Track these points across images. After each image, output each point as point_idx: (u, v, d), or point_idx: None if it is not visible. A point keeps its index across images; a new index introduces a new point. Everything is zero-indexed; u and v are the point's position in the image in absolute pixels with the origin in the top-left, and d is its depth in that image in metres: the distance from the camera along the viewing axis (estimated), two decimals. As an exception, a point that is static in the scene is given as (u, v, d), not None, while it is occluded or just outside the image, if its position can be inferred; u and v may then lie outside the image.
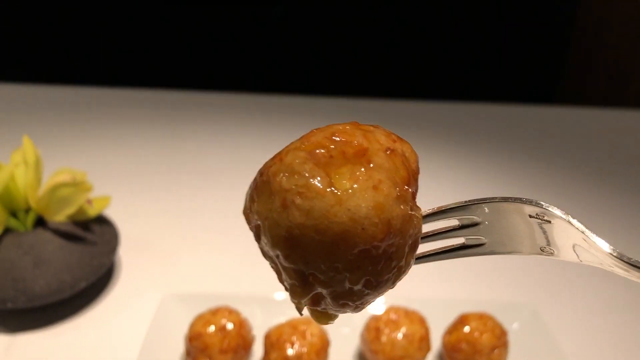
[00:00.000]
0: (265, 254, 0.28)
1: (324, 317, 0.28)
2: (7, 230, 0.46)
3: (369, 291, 0.27)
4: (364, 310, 0.30)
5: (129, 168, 0.72)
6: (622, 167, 0.86)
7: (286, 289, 0.27)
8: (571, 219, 0.26)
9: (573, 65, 1.30)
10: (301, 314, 0.28)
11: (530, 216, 0.28)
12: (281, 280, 0.28)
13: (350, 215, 0.25)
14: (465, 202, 0.29)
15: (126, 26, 1.27)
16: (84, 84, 0.93)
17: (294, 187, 0.25)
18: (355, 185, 0.25)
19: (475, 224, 0.30)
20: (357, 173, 0.26)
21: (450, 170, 0.77)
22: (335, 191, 0.25)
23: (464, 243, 0.30)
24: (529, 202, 0.27)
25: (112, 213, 0.56)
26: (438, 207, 0.29)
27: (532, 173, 0.80)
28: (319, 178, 0.25)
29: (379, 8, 1.34)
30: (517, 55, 1.27)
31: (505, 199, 0.28)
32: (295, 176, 0.25)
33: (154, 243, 0.56)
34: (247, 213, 0.28)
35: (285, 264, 0.27)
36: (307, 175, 0.25)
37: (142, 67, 1.27)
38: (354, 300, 0.27)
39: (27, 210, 0.47)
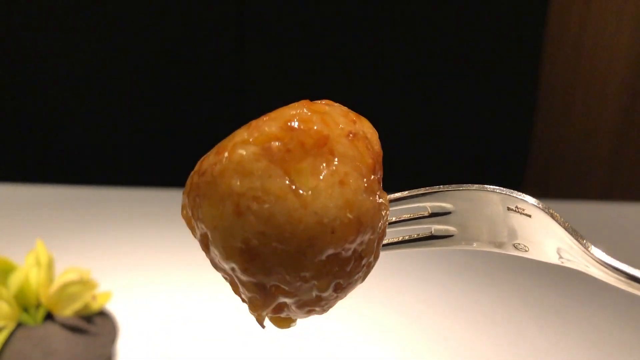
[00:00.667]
0: (216, 266, 0.25)
1: (286, 322, 0.26)
2: (19, 325, 0.52)
3: (338, 294, 0.25)
4: None
5: (129, 263, 0.78)
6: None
7: (243, 301, 0.25)
8: (554, 214, 0.25)
9: (535, 160, 1.38)
10: (263, 327, 0.26)
11: (509, 209, 0.26)
12: (237, 293, 0.25)
13: (318, 219, 0.23)
14: (438, 188, 0.27)
15: (124, 125, 1.34)
16: (89, 183, 1.00)
17: (248, 190, 0.22)
18: (319, 183, 0.23)
19: (446, 213, 0.27)
20: (320, 167, 0.23)
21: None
22: (299, 191, 0.22)
23: (431, 233, 0.28)
24: (509, 193, 0.25)
25: (112, 306, 0.62)
26: (408, 192, 0.28)
27: (498, 269, 0.85)
28: (277, 178, 0.22)
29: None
30: (479, 152, 1.34)
31: (482, 188, 0.26)
32: (249, 177, 0.22)
33: (151, 335, 0.62)
34: (188, 218, 0.25)
35: (243, 278, 0.24)
36: (262, 175, 0.22)
37: (140, 166, 1.34)
38: (321, 305, 0.25)
39: (38, 305, 0.53)
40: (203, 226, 0.24)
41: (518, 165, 1.34)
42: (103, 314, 0.56)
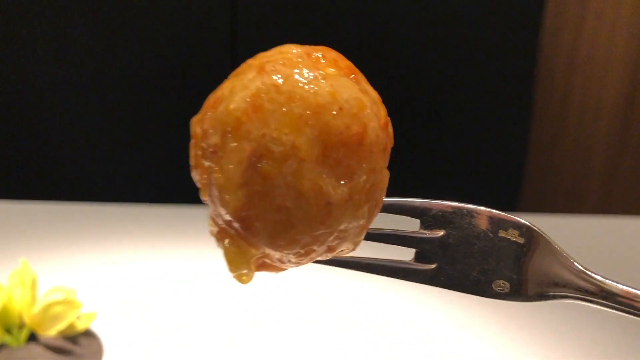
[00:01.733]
0: (204, 148, 0.26)
1: (243, 259, 0.26)
2: (1, 346, 0.51)
3: (344, 211, 0.25)
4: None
5: (115, 283, 0.76)
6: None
7: (219, 208, 0.25)
8: (549, 238, 0.24)
9: (531, 176, 1.38)
10: (245, 280, 0.26)
11: (500, 232, 0.26)
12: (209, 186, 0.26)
13: (331, 90, 0.25)
14: (430, 202, 0.27)
15: (111, 142, 1.34)
16: (75, 199, 0.99)
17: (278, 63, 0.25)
18: (341, 77, 0.25)
19: (433, 228, 0.27)
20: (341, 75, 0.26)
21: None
22: (320, 72, 0.25)
23: (412, 260, 0.27)
24: (502, 217, 0.25)
25: (97, 326, 0.61)
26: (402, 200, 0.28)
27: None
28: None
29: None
30: (476, 169, 1.34)
31: (476, 210, 0.26)
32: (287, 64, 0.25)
33: (136, 356, 0.61)
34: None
35: (232, 143, 0.25)
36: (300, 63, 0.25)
37: (128, 182, 1.33)
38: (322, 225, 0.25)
39: (21, 326, 0.52)
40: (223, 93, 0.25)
41: (513, 178, 1.33)
42: (88, 335, 0.55)
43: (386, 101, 0.27)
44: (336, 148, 0.25)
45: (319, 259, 0.27)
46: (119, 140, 1.32)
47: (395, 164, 0.28)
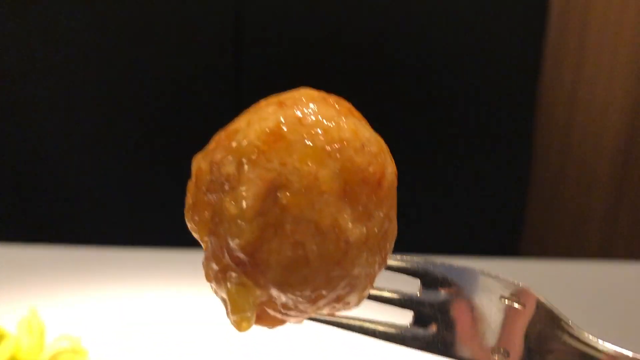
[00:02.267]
0: (218, 172, 0.25)
1: (247, 300, 0.24)
2: (8, 394, 0.51)
3: (365, 251, 0.24)
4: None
5: (121, 330, 0.77)
6: (586, 317, 0.92)
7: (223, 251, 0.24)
8: (552, 306, 0.24)
9: (532, 218, 1.38)
10: (245, 328, 0.25)
11: (502, 297, 0.25)
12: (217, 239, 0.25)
13: (354, 128, 0.24)
14: (433, 264, 0.27)
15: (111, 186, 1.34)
16: (81, 243, 0.99)
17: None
18: (359, 121, 0.25)
19: (436, 291, 0.26)
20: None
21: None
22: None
23: (409, 324, 0.27)
24: (507, 281, 0.25)
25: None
26: (403, 261, 0.27)
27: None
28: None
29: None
30: (476, 211, 1.35)
31: (482, 272, 0.26)
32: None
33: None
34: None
35: (250, 173, 0.24)
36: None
37: (136, 225, 1.34)
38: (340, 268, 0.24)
39: (28, 374, 0.52)
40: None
41: (515, 224, 1.34)
42: (93, 382, 0.55)
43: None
44: (357, 185, 0.24)
45: (318, 316, 0.26)
46: (126, 183, 1.33)
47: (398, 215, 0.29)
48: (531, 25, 1.25)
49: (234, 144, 0.25)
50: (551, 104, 1.35)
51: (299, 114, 0.24)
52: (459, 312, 0.26)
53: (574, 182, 1.40)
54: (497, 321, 0.25)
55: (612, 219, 1.40)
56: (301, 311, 0.25)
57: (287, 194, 0.23)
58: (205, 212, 0.25)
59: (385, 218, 0.25)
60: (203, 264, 0.26)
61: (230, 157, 0.24)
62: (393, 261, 0.27)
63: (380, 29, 1.25)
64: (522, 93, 1.29)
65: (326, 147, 0.24)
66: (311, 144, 0.24)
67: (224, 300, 0.24)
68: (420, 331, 0.26)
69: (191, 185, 0.26)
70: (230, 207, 0.24)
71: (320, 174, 0.23)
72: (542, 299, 0.25)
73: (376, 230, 0.24)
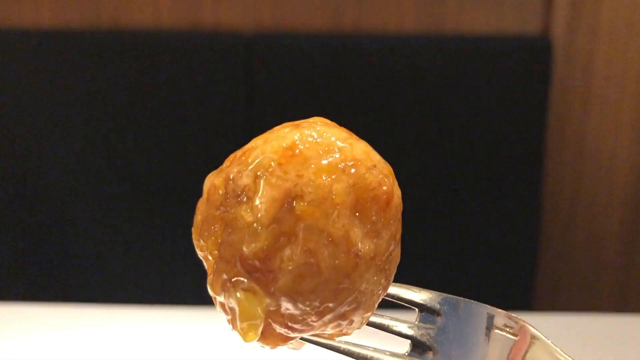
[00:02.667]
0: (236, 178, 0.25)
1: (256, 308, 0.25)
2: None
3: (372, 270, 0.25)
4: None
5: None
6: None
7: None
8: (543, 336, 0.24)
9: (544, 272, 1.37)
10: (252, 339, 0.25)
11: (496, 327, 0.26)
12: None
13: (366, 149, 0.26)
14: (427, 294, 0.27)
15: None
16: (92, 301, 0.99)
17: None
18: (368, 146, 0.27)
19: (430, 320, 0.27)
20: None
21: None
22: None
23: (407, 352, 0.27)
24: (498, 311, 0.25)
25: None
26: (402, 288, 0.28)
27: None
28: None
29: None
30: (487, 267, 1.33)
31: (473, 302, 0.26)
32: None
33: None
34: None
35: (267, 183, 0.24)
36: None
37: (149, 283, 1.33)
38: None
39: None
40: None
41: (526, 278, 1.32)
42: None
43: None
44: (368, 203, 0.25)
45: (319, 339, 0.26)
46: (136, 242, 1.33)
47: (404, 260, 0.29)
48: (535, 77, 1.26)
49: (250, 159, 0.25)
50: (558, 157, 1.35)
51: (314, 134, 0.25)
52: (454, 342, 0.26)
53: (584, 235, 1.38)
54: (492, 351, 0.25)
55: (624, 272, 1.39)
56: (307, 326, 0.25)
57: (302, 203, 0.24)
58: (216, 225, 0.26)
59: (392, 239, 0.26)
60: (209, 278, 0.26)
61: (246, 171, 0.25)
62: (394, 288, 0.28)
63: (389, 71, 1.26)
64: (529, 150, 1.29)
65: (340, 164, 0.25)
66: (326, 160, 0.25)
67: (232, 310, 0.24)
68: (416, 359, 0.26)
69: (201, 203, 0.27)
70: (246, 215, 0.24)
71: (335, 187, 0.24)
72: (535, 330, 0.25)
73: (383, 249, 0.25)
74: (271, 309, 0.25)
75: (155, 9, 1.30)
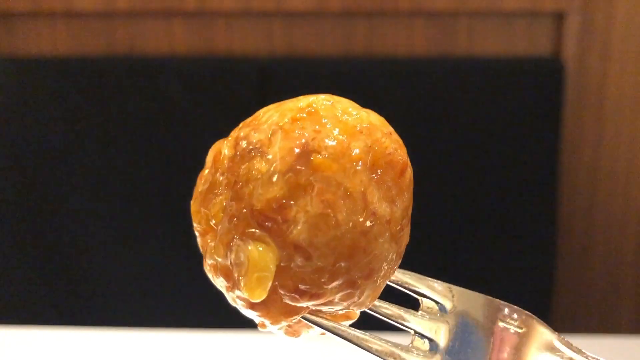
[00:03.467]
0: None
1: (268, 261, 0.23)
2: None
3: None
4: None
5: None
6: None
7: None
8: (548, 328, 0.24)
9: (561, 294, 1.36)
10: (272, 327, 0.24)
11: (501, 320, 0.25)
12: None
13: (381, 119, 0.26)
14: (432, 284, 0.26)
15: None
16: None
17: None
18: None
19: (435, 306, 0.26)
20: None
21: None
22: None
23: (410, 344, 0.26)
24: (503, 305, 0.25)
25: None
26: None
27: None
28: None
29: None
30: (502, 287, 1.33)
31: (481, 295, 0.25)
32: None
33: None
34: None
35: (284, 135, 0.23)
36: None
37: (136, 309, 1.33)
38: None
39: None
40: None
41: (544, 301, 1.31)
42: None
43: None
44: (384, 167, 0.24)
45: (323, 321, 0.24)
46: (149, 265, 1.34)
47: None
48: (548, 99, 1.26)
49: (263, 119, 0.25)
50: (573, 179, 1.35)
51: (330, 100, 0.25)
52: (458, 335, 0.25)
53: (601, 256, 1.37)
54: (496, 344, 0.24)
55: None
56: (317, 289, 0.24)
57: (320, 155, 0.23)
58: (220, 189, 0.25)
59: (405, 211, 0.25)
60: (215, 240, 0.24)
61: (260, 129, 0.24)
62: (399, 274, 0.27)
63: (400, 94, 1.27)
64: (544, 166, 1.29)
65: (357, 125, 0.24)
66: (343, 120, 0.24)
67: (238, 266, 0.23)
68: (420, 354, 0.25)
69: (203, 173, 0.26)
70: (260, 165, 0.23)
71: (353, 144, 0.24)
72: (541, 323, 0.25)
73: (397, 216, 0.24)
74: (282, 264, 0.23)
75: (169, 35, 1.32)
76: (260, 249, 0.22)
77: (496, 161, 1.29)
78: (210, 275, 0.26)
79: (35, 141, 1.30)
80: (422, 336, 0.26)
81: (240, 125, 0.26)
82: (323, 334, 0.26)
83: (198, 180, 0.27)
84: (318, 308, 0.24)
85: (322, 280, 0.23)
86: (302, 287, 0.23)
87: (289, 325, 0.25)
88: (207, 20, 1.30)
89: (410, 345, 0.26)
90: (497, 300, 0.25)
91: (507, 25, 1.27)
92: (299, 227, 0.23)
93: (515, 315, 0.25)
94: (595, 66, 1.29)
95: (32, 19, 1.31)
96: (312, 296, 0.23)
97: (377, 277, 0.24)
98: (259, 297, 0.23)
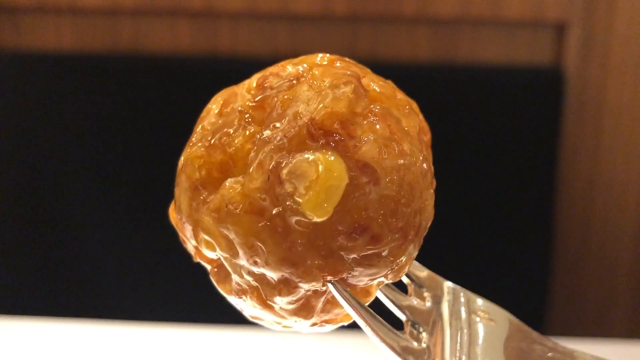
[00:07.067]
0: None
1: (342, 171, 0.20)
2: None
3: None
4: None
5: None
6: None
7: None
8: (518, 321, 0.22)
9: (556, 301, 1.37)
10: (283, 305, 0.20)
11: (475, 314, 0.25)
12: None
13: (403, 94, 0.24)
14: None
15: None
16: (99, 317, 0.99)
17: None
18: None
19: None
20: None
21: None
22: None
23: (403, 332, 0.25)
24: (473, 297, 0.24)
25: None
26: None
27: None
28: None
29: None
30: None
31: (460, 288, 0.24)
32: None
33: None
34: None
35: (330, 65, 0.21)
36: None
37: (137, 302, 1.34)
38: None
39: None
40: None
41: (539, 305, 1.32)
42: None
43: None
44: (421, 125, 0.24)
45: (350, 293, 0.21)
46: (149, 262, 1.34)
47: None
48: (548, 108, 1.27)
49: (290, 62, 0.22)
50: (570, 188, 1.36)
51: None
52: (439, 324, 0.25)
53: (597, 262, 1.39)
54: (471, 337, 0.24)
55: (637, 298, 1.38)
56: (377, 234, 0.20)
57: (374, 87, 0.21)
58: (241, 122, 0.22)
59: (433, 178, 0.23)
60: (247, 170, 0.21)
61: (290, 66, 0.22)
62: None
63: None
64: (542, 175, 1.30)
65: (394, 88, 0.23)
66: (381, 85, 0.22)
67: (300, 178, 0.19)
68: (414, 344, 0.25)
69: (196, 128, 0.24)
70: (313, 85, 0.20)
71: (396, 93, 0.22)
72: (512, 316, 0.24)
73: (430, 177, 0.23)
74: (349, 182, 0.19)
75: (173, 34, 1.32)
76: (332, 158, 0.19)
77: (495, 167, 1.30)
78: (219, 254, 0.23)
79: (38, 135, 1.31)
80: (414, 323, 0.25)
81: (247, 80, 0.23)
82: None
83: (193, 133, 0.23)
84: (354, 273, 0.21)
85: (386, 214, 0.20)
86: (363, 221, 0.20)
87: (323, 309, 0.22)
88: (212, 20, 1.31)
89: (404, 333, 0.25)
90: (470, 293, 0.25)
91: (509, 34, 1.29)
92: (367, 145, 0.20)
93: (486, 309, 0.25)
94: (595, 77, 1.30)
95: (37, 14, 1.31)
96: (373, 238, 0.20)
97: (421, 237, 0.22)
98: (325, 214, 0.20)
